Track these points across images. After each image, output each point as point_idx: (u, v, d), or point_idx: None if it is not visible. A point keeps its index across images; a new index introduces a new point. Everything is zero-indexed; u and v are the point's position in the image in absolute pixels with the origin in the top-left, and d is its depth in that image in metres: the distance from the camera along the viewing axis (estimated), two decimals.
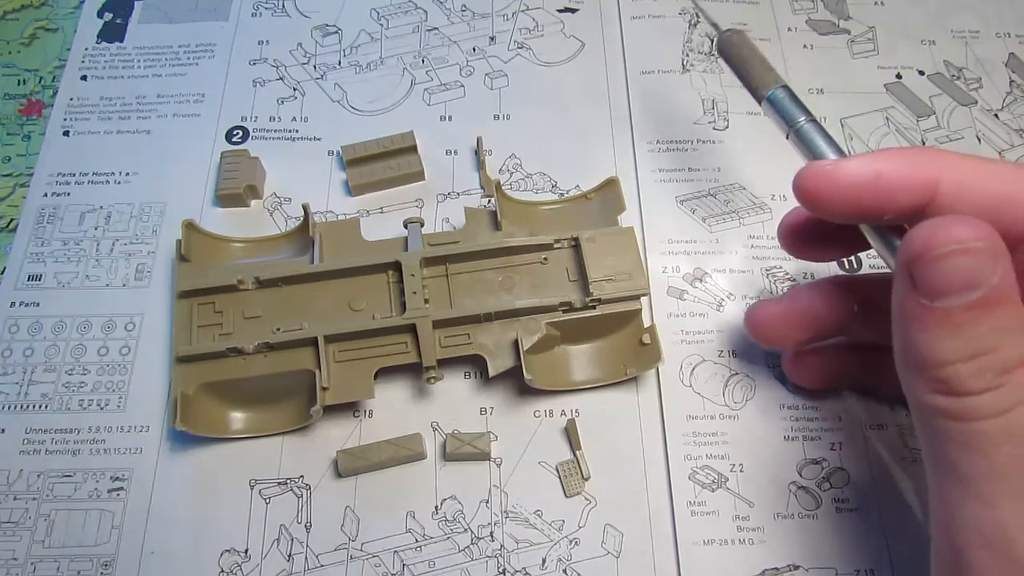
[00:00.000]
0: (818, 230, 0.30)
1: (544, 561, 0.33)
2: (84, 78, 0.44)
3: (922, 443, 0.24)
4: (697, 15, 0.46)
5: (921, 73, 0.45)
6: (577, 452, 0.34)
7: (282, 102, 0.43)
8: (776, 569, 0.32)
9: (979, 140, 0.43)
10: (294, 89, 0.44)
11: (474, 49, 0.45)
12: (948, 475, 0.23)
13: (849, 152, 0.42)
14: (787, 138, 0.29)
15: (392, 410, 0.36)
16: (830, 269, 0.39)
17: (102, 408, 0.35)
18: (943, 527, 0.23)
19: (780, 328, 0.32)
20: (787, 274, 0.38)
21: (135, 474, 0.34)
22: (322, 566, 0.32)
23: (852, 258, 0.39)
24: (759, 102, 0.31)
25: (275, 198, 0.41)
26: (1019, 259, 0.24)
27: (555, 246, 0.36)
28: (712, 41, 0.45)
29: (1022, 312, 0.22)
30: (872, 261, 0.39)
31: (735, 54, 0.32)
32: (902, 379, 0.24)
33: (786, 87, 0.30)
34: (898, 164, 0.24)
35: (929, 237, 0.22)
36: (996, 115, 0.44)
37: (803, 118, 0.29)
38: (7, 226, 0.40)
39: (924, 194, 0.24)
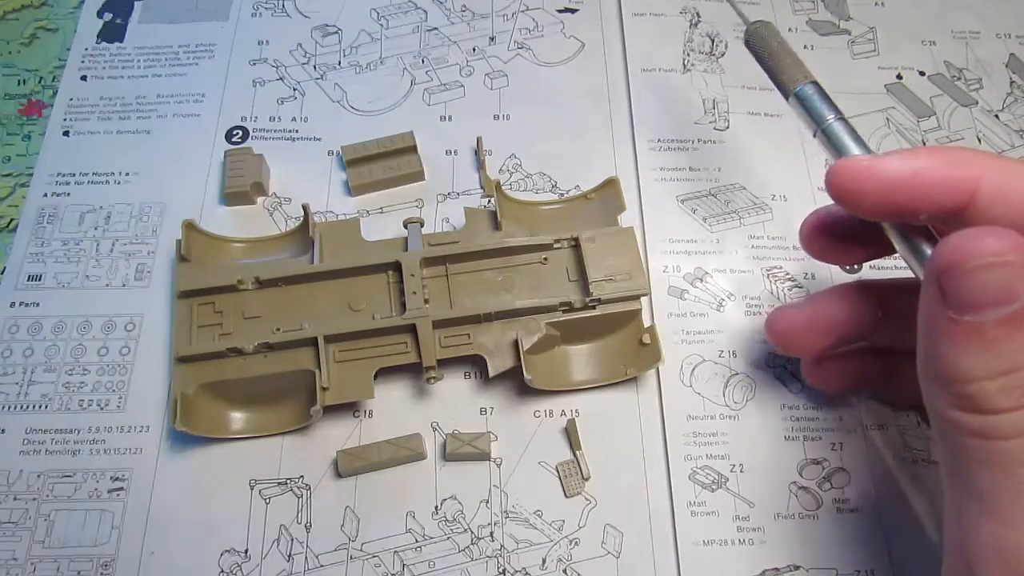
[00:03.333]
0: (841, 232, 0.29)
1: (544, 561, 0.33)
2: (84, 78, 0.44)
3: (941, 457, 0.24)
4: (698, 15, 0.46)
5: (922, 74, 0.45)
6: (577, 452, 0.34)
7: (282, 102, 0.43)
8: (776, 569, 0.32)
9: (979, 141, 0.43)
10: (294, 89, 0.44)
11: (474, 49, 0.45)
12: (967, 491, 0.22)
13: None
14: (814, 136, 0.28)
15: (392, 410, 0.36)
16: (831, 273, 0.39)
17: (102, 408, 0.35)
18: (958, 543, 0.23)
19: (804, 336, 0.31)
20: (787, 274, 0.38)
21: (135, 474, 0.34)
22: (322, 566, 0.32)
23: None
24: (786, 97, 0.29)
25: (275, 198, 0.41)
26: None
27: (555, 246, 0.36)
28: (712, 41, 0.45)
29: None
30: (873, 262, 0.39)
31: (764, 46, 0.31)
32: (924, 391, 0.24)
33: (815, 83, 0.29)
34: (939, 163, 0.24)
35: (961, 248, 0.21)
36: (996, 116, 0.44)
37: (832, 116, 0.28)
38: (7, 226, 0.40)
39: (963, 195, 0.23)
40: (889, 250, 0.28)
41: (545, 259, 0.36)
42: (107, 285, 0.38)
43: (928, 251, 0.25)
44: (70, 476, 0.34)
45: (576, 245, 0.36)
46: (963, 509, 0.23)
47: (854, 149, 0.27)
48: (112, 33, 0.46)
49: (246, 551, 0.33)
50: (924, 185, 0.24)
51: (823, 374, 0.34)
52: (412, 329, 0.34)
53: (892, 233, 0.26)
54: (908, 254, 0.26)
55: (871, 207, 0.25)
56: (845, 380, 0.34)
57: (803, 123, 0.29)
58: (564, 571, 0.32)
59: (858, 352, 0.33)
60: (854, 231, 0.29)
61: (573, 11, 0.47)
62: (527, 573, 0.32)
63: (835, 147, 0.27)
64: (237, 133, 0.42)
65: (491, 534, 0.33)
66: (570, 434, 0.35)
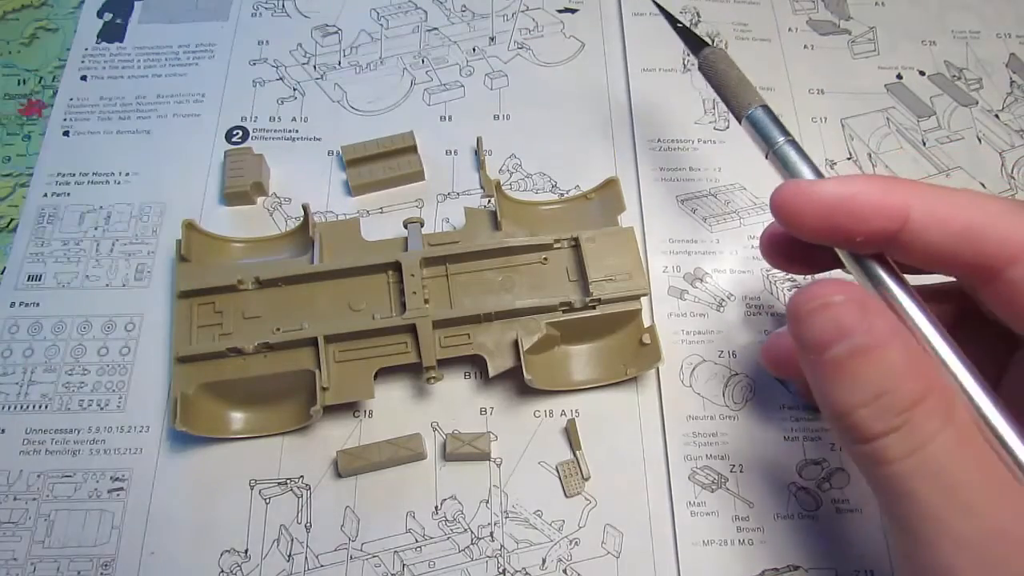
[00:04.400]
0: (797, 244, 0.30)
1: (544, 561, 0.33)
2: (84, 78, 0.44)
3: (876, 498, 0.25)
4: (698, 14, 0.46)
5: (922, 73, 0.45)
6: (577, 452, 0.34)
7: (282, 102, 0.43)
8: (776, 570, 0.32)
9: (979, 140, 0.43)
10: (294, 89, 0.44)
11: (474, 49, 0.45)
12: (892, 523, 0.24)
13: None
14: (766, 157, 0.29)
15: (392, 410, 0.36)
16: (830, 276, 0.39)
17: (102, 408, 0.35)
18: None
19: (796, 360, 0.32)
20: (786, 275, 0.38)
21: (135, 474, 0.34)
22: (322, 566, 0.32)
23: None
24: (739, 120, 0.31)
25: (275, 198, 0.41)
26: (1000, 287, 0.24)
27: (555, 246, 0.36)
28: (712, 41, 0.45)
29: (913, 356, 0.23)
30: None
31: (716, 73, 0.32)
32: (835, 437, 0.25)
33: (765, 106, 0.30)
34: (872, 188, 0.25)
35: (799, 298, 0.24)
36: (996, 115, 0.44)
37: (782, 139, 0.29)
38: (7, 226, 0.40)
39: (895, 220, 0.25)
40: (836, 265, 0.29)
41: (545, 259, 0.36)
42: (107, 285, 0.38)
43: (876, 269, 0.26)
44: (70, 476, 0.34)
45: (576, 245, 0.36)
46: (897, 542, 0.24)
47: (803, 169, 0.28)
48: (112, 33, 0.46)
49: (246, 551, 0.33)
50: (859, 209, 0.25)
51: None
52: (412, 329, 0.34)
53: (843, 255, 0.27)
54: (856, 270, 0.26)
55: (810, 228, 0.26)
56: None
57: (756, 145, 0.30)
58: (564, 571, 0.32)
59: None
60: (803, 246, 0.29)
61: (573, 11, 0.47)
62: (527, 573, 0.32)
63: (785, 167, 0.28)
64: (237, 133, 0.42)
65: (491, 534, 0.33)
66: (570, 434, 0.35)
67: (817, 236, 0.26)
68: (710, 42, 0.37)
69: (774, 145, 0.29)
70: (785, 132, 0.29)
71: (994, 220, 0.24)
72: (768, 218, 0.40)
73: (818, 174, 0.28)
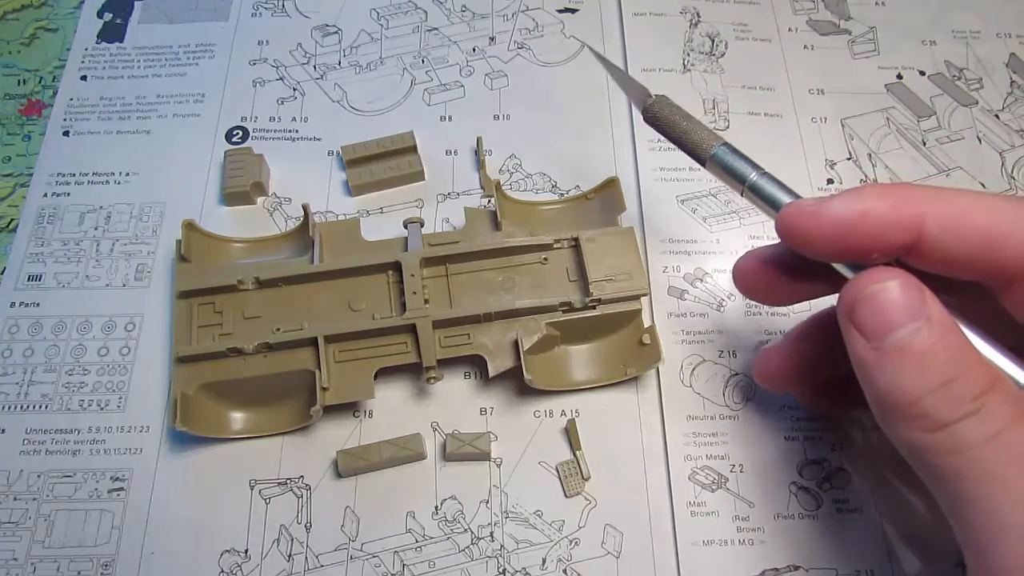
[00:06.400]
0: (772, 278, 0.29)
1: (544, 561, 0.33)
2: (84, 78, 0.44)
3: (936, 495, 0.23)
4: (698, 15, 0.46)
5: (922, 73, 0.45)
6: (577, 452, 0.34)
7: (282, 102, 0.43)
8: (776, 570, 0.32)
9: (979, 140, 0.43)
10: (294, 89, 0.44)
11: (474, 49, 0.45)
12: (970, 516, 0.22)
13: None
14: (741, 195, 0.28)
15: (392, 410, 0.36)
16: None
17: (102, 408, 0.35)
18: (987, 572, 0.22)
19: (790, 375, 0.31)
20: None
21: (135, 474, 0.34)
22: (322, 566, 0.32)
23: None
24: (702, 163, 0.29)
25: (275, 198, 0.41)
26: (1017, 294, 0.24)
27: (555, 246, 0.36)
28: (712, 41, 0.45)
29: (971, 344, 0.23)
30: None
31: (667, 119, 0.30)
32: (888, 433, 0.24)
33: (727, 144, 0.29)
34: (882, 203, 0.24)
35: (860, 282, 0.24)
36: (997, 115, 0.44)
37: (754, 173, 0.28)
38: (7, 226, 0.40)
39: (910, 232, 0.24)
40: (819, 292, 0.29)
41: (545, 259, 0.36)
42: (107, 285, 0.38)
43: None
44: (70, 476, 0.34)
45: (576, 245, 0.36)
46: (973, 537, 0.22)
47: (785, 198, 0.27)
48: (112, 33, 0.46)
49: (246, 551, 0.33)
50: (871, 226, 0.24)
51: (819, 403, 0.34)
52: (412, 329, 0.34)
53: (841, 268, 0.26)
54: None
55: (824, 250, 0.25)
56: (840, 405, 0.34)
57: (726, 184, 0.29)
58: (564, 571, 0.32)
59: (845, 377, 0.33)
60: (780, 280, 0.29)
61: (573, 11, 0.47)
62: (527, 573, 0.32)
63: (766, 200, 0.28)
64: (237, 133, 0.42)
65: (491, 534, 0.33)
66: (570, 434, 0.35)
67: (830, 257, 0.25)
68: (711, 42, 0.36)
69: (747, 180, 0.28)
70: (755, 166, 0.28)
71: (1010, 226, 0.23)
72: (767, 217, 0.40)
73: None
